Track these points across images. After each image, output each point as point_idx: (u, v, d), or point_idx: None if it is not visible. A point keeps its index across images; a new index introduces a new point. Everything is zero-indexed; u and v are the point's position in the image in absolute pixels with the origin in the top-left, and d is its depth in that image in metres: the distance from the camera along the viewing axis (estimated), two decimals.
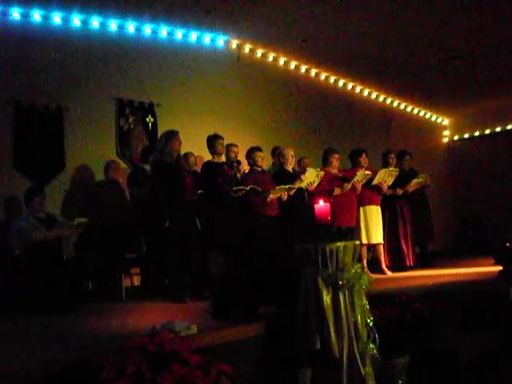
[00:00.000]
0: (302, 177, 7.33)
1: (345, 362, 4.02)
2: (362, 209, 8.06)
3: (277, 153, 8.11)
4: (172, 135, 6.59)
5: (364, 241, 7.94)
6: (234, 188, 6.70)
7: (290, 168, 7.58)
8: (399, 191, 8.44)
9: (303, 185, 7.33)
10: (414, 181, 8.59)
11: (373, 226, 8.03)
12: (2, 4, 7.29)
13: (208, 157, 7.21)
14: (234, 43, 9.68)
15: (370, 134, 11.06)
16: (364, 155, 8.13)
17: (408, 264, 8.37)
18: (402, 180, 8.45)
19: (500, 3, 7.81)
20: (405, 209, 8.58)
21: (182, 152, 7.12)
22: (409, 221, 8.57)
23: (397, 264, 8.30)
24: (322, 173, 7.54)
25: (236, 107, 9.47)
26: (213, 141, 7.01)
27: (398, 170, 8.29)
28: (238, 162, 7.29)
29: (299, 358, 4.17)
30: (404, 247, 8.41)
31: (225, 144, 7.17)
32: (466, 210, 12.46)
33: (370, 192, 8.08)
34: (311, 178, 7.38)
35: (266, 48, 9.99)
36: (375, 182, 8.03)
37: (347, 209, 7.72)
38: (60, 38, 7.78)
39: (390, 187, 8.25)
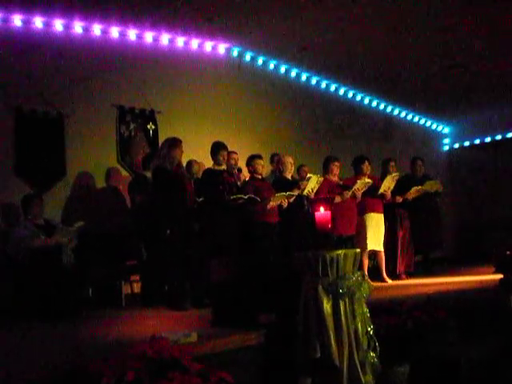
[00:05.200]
0: (301, 184, 7.32)
1: (345, 370, 4.01)
2: (365, 216, 8.04)
3: (276, 160, 8.13)
4: (175, 143, 6.57)
5: (367, 248, 7.92)
6: (232, 197, 6.69)
7: (289, 176, 7.59)
8: (398, 199, 8.43)
9: (305, 192, 7.32)
10: (414, 188, 8.57)
11: (375, 233, 8.02)
12: (3, 11, 7.32)
13: (208, 164, 7.22)
14: (235, 51, 9.70)
15: (371, 141, 11.06)
16: (367, 163, 8.12)
17: (398, 271, 8.38)
18: (409, 186, 8.48)
19: (502, 11, 7.83)
20: (404, 216, 8.58)
21: (185, 160, 7.13)
22: (406, 228, 8.58)
23: (390, 271, 8.31)
24: (322, 178, 7.54)
25: (237, 114, 9.47)
26: (216, 149, 6.99)
27: (398, 174, 8.28)
28: (239, 170, 7.30)
29: (299, 366, 4.16)
30: (398, 255, 8.42)
31: (226, 154, 7.17)
32: (466, 217, 12.45)
33: (374, 199, 8.06)
34: (312, 184, 7.37)
35: (266, 56, 10.02)
36: (381, 190, 8.01)
37: (347, 217, 7.71)
38: (61, 45, 7.78)
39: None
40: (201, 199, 6.93)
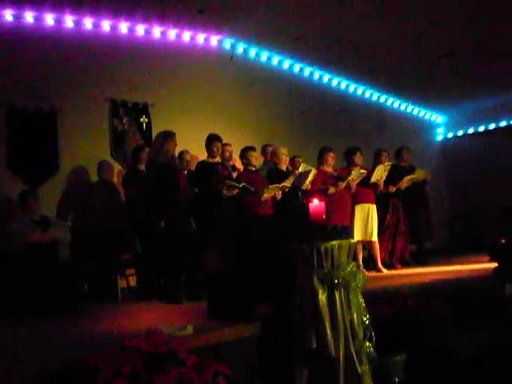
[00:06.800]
0: (296, 173, 7.32)
1: (341, 360, 4.03)
2: (357, 206, 8.06)
3: (270, 151, 8.12)
4: (169, 136, 6.58)
5: (359, 238, 7.94)
6: (227, 184, 6.68)
7: (283, 167, 7.58)
8: (392, 188, 8.45)
9: (304, 186, 7.30)
10: (406, 178, 8.58)
11: (369, 223, 8.04)
12: None
13: (202, 156, 7.21)
14: (228, 42, 9.67)
15: (364, 132, 11.05)
16: (358, 153, 8.13)
17: (389, 261, 8.42)
18: (399, 176, 8.48)
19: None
20: (397, 206, 8.59)
21: (177, 151, 7.12)
22: (400, 218, 8.59)
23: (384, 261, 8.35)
24: (315, 171, 7.54)
25: (230, 106, 9.45)
26: (210, 142, 7.00)
27: (390, 163, 8.30)
28: (234, 169, 7.29)
29: (295, 356, 4.17)
30: (390, 244, 8.45)
31: (220, 145, 7.15)
32: (460, 206, 12.47)
33: (366, 190, 8.08)
34: (311, 177, 7.36)
35: (259, 47, 9.99)
36: (373, 179, 8.03)
37: (342, 207, 7.71)
38: (52, 39, 7.73)
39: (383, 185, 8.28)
40: (195, 191, 6.93)
